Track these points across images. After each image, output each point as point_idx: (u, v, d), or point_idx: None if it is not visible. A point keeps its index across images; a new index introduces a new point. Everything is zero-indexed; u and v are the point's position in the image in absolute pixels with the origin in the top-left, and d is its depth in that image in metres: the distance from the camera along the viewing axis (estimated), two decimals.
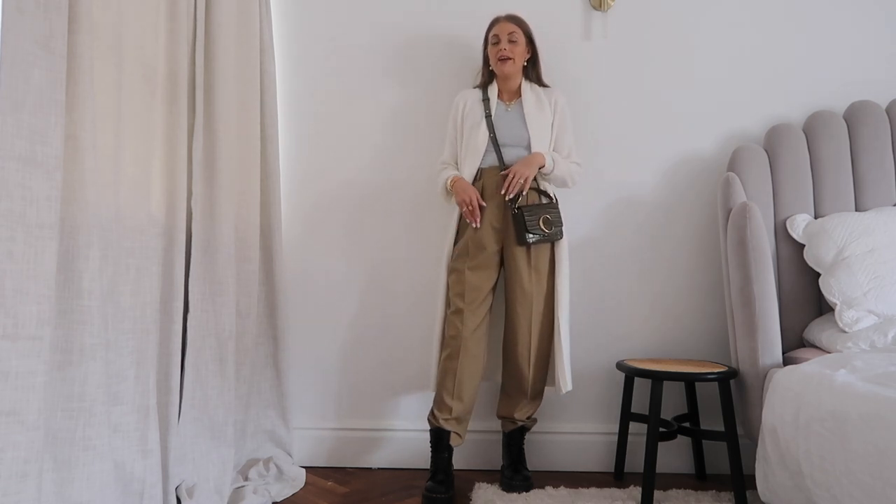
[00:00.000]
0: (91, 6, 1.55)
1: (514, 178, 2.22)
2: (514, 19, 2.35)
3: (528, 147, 2.29)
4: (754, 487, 1.99)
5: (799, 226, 2.36)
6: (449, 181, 2.32)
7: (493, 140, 2.29)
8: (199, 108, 2.08)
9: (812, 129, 2.48)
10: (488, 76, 2.41)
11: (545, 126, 2.32)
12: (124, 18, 1.74)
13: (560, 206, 2.32)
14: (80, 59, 1.51)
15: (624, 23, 2.63)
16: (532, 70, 2.41)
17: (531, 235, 2.22)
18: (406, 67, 2.64)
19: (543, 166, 2.27)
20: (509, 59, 2.31)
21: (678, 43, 2.62)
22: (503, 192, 2.23)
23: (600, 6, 2.61)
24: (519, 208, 2.24)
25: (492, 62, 2.36)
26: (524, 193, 2.27)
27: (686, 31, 2.62)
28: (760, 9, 2.62)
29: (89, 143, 1.54)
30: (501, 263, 2.34)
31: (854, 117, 2.48)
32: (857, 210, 2.42)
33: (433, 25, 2.63)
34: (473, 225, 2.25)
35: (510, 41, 2.32)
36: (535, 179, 2.30)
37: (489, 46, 2.37)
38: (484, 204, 2.26)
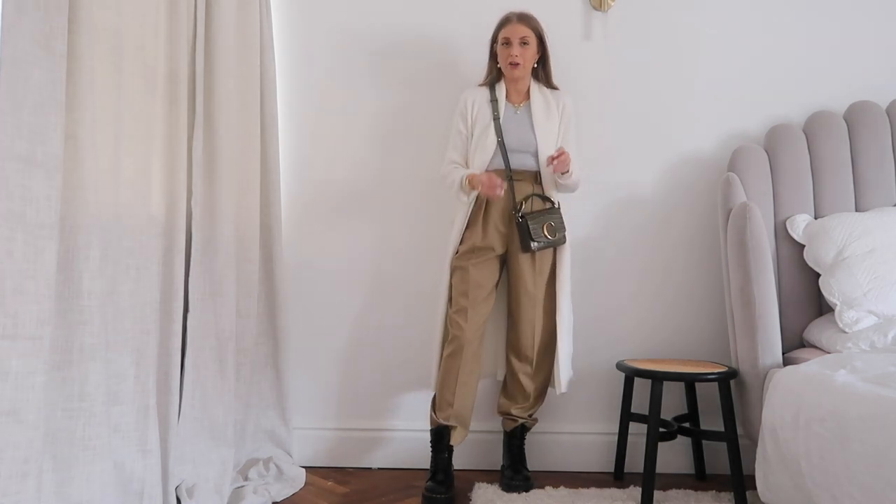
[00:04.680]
0: (91, 6, 1.55)
1: (563, 156, 2.15)
2: (526, 20, 2.27)
3: (536, 153, 2.28)
4: (754, 488, 1.98)
5: (799, 226, 2.36)
6: (464, 179, 2.26)
7: (501, 144, 2.27)
8: (199, 108, 2.08)
9: (812, 129, 2.48)
10: (496, 74, 2.36)
11: (552, 131, 2.31)
12: (124, 18, 1.74)
13: (562, 209, 2.32)
14: (80, 59, 1.51)
15: (624, 23, 2.63)
16: (542, 71, 2.36)
17: (535, 243, 2.23)
18: (406, 65, 2.64)
19: (570, 172, 2.25)
20: (520, 64, 2.26)
21: (678, 43, 2.62)
22: (552, 166, 2.17)
23: (600, 6, 2.61)
24: (523, 216, 2.23)
25: (501, 63, 2.31)
26: (526, 201, 2.26)
27: (686, 32, 2.62)
28: (761, 9, 2.62)
29: (89, 143, 1.54)
30: (503, 263, 2.35)
31: (854, 117, 2.48)
32: (857, 210, 2.41)
33: (433, 24, 2.63)
34: (499, 192, 2.17)
35: (522, 44, 2.26)
36: (540, 185, 2.31)
37: (499, 47, 2.30)
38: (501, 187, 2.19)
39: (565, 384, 2.31)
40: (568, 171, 2.23)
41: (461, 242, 2.32)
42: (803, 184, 2.43)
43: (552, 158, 2.17)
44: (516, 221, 2.25)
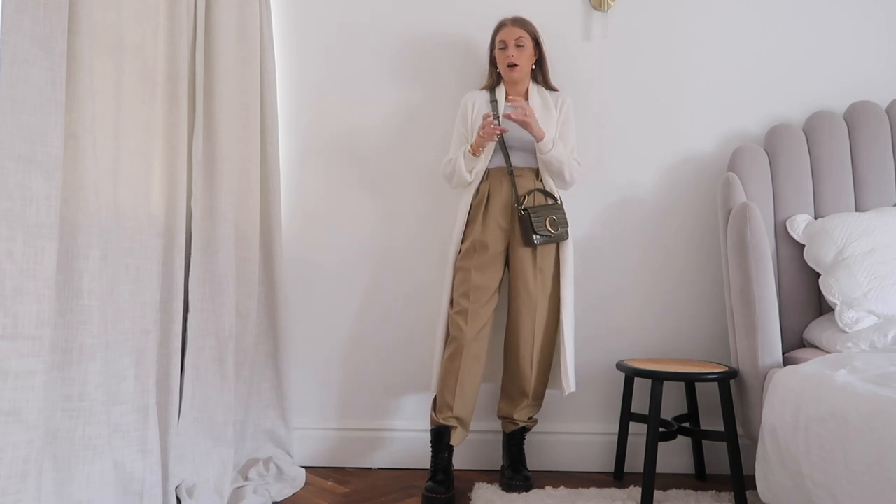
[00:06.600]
0: (91, 6, 1.55)
1: (522, 110, 2.18)
2: (521, 23, 2.34)
3: (534, 149, 2.30)
4: (754, 487, 1.99)
5: (799, 226, 2.36)
6: (467, 151, 2.28)
7: (502, 142, 2.30)
8: (199, 108, 2.08)
9: (812, 129, 2.48)
10: (496, 78, 2.42)
11: (550, 129, 2.32)
12: (124, 18, 1.74)
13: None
14: (80, 59, 1.51)
15: (624, 23, 2.63)
16: (539, 72, 2.42)
17: (538, 236, 2.24)
18: (407, 66, 2.64)
19: (543, 140, 2.24)
20: (517, 66, 2.31)
21: (678, 43, 2.62)
22: (507, 107, 2.24)
23: (600, 6, 2.61)
24: (525, 209, 2.25)
25: (500, 67, 2.36)
26: (528, 195, 2.28)
27: (686, 32, 2.62)
28: (761, 9, 2.62)
29: (89, 143, 1.54)
30: (506, 264, 2.35)
31: (854, 117, 2.48)
32: (857, 210, 2.41)
33: (434, 24, 2.63)
34: (501, 125, 2.22)
35: (517, 46, 2.31)
36: (540, 181, 2.33)
37: (497, 51, 2.36)
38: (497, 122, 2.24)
39: (573, 383, 2.27)
40: (528, 125, 2.20)
41: (463, 241, 2.33)
42: (803, 184, 2.43)
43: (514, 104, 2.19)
44: (518, 214, 2.26)
